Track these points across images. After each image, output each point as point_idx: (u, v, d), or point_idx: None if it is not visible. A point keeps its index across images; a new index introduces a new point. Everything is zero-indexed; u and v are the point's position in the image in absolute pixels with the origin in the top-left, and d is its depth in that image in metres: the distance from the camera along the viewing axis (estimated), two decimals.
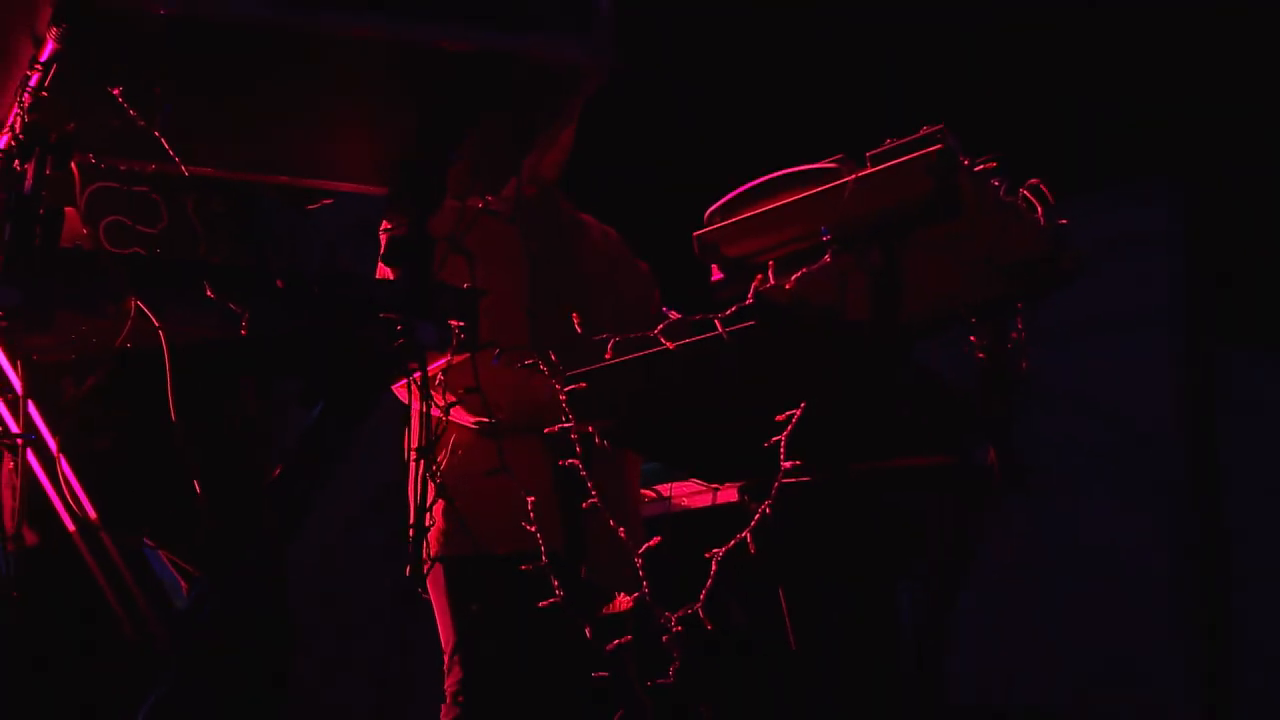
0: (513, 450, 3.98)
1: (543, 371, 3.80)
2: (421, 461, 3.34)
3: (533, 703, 4.49)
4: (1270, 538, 8.02)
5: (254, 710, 3.62)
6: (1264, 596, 7.97)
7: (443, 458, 4.48)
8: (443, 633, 4.54)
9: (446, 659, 4.51)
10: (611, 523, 3.66)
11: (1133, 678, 7.81)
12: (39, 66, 2.87)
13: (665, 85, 4.91)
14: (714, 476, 4.14)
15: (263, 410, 3.85)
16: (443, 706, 4.47)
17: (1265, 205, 7.63)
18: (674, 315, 3.89)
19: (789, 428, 3.48)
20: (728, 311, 3.58)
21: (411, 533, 4.23)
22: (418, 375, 3.22)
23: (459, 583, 4.51)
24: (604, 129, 4.76)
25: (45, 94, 2.89)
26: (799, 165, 3.73)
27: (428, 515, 3.60)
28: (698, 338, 3.59)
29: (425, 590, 4.44)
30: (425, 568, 4.31)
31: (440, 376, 3.40)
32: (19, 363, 2.99)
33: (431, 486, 3.48)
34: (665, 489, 4.31)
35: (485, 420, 4.29)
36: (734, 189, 3.82)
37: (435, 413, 3.39)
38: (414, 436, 4.07)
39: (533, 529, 3.79)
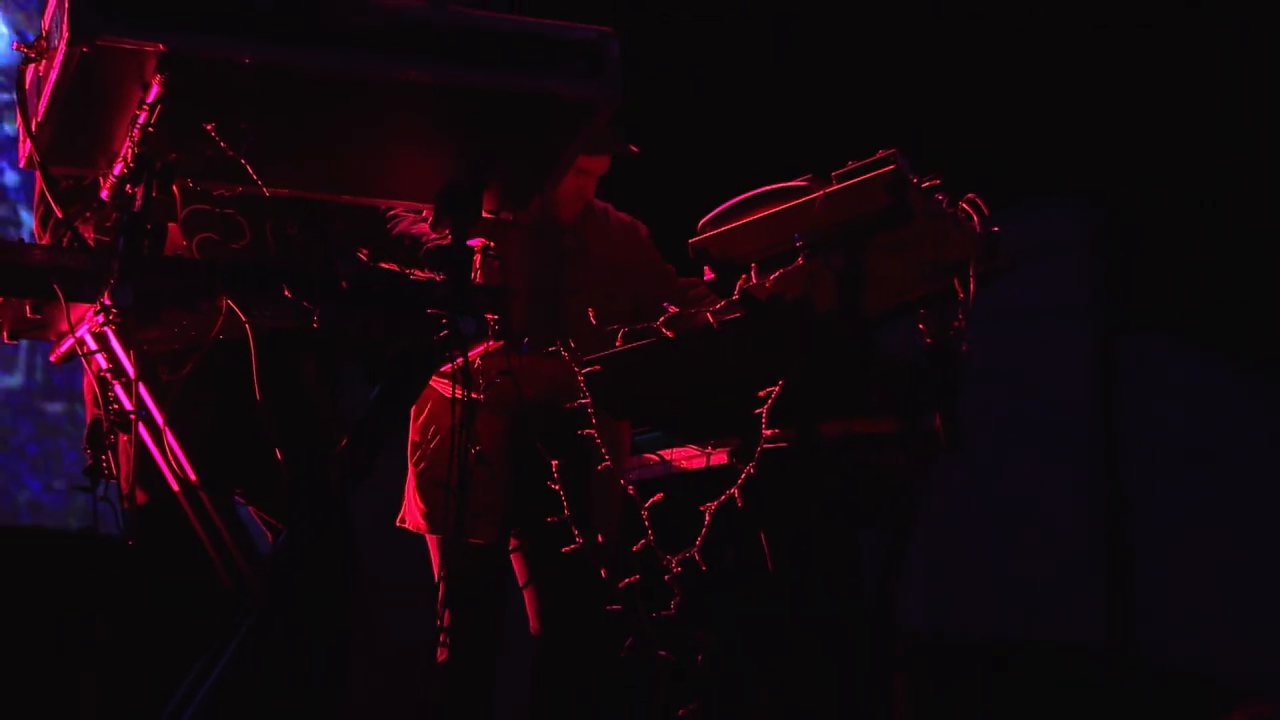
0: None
1: (564, 358, 3.80)
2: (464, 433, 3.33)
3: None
4: (1162, 490, 8.03)
5: (326, 637, 3.64)
6: (1156, 539, 7.99)
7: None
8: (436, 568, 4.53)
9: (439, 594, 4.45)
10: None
11: (1051, 606, 7.80)
12: (146, 107, 2.87)
13: (653, 116, 4.88)
14: (706, 442, 4.13)
15: (330, 390, 3.86)
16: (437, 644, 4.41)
17: (1162, 216, 7.61)
18: (672, 309, 3.89)
19: (769, 401, 3.49)
20: (718, 305, 3.59)
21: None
22: (460, 361, 3.23)
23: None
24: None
25: (151, 130, 2.88)
26: (775, 183, 3.74)
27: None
28: (693, 326, 3.60)
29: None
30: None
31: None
32: (132, 352, 2.98)
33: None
34: (666, 453, 4.30)
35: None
36: (721, 203, 3.82)
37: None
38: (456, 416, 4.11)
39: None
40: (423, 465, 4.50)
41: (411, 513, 4.54)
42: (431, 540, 4.53)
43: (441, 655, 4.41)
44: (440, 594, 4.30)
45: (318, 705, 3.59)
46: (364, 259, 3.42)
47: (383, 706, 5.94)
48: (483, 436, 3.64)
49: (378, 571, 3.94)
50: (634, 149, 4.62)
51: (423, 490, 4.49)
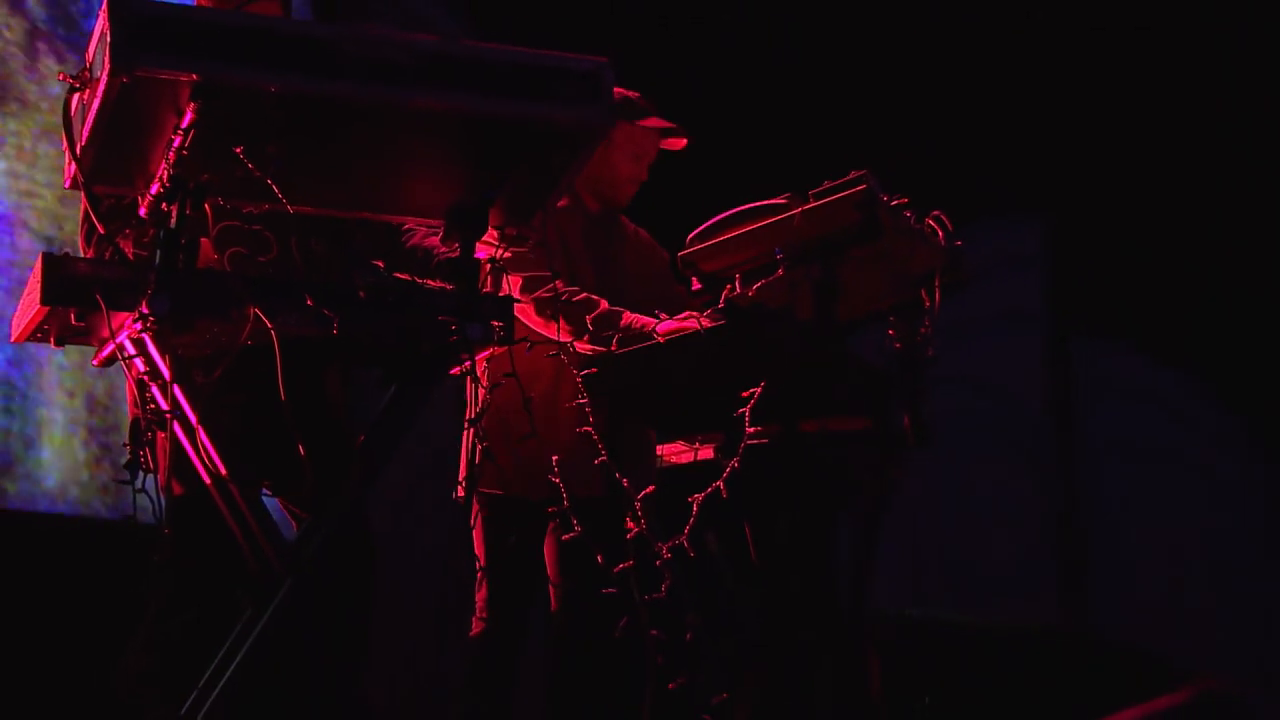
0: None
1: (564, 360, 3.81)
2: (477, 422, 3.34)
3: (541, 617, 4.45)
4: (1111, 481, 8.06)
5: (346, 616, 3.64)
6: (1106, 525, 8.01)
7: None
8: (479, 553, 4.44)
9: (479, 577, 4.40)
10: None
11: (1009, 586, 7.82)
12: (180, 132, 2.87)
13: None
14: (694, 438, 4.13)
15: (348, 391, 3.86)
16: (473, 618, 4.39)
17: (1110, 231, 7.65)
18: (664, 316, 3.90)
19: (752, 401, 3.49)
20: (705, 313, 3.60)
21: (462, 481, 4.26)
22: (468, 364, 3.24)
23: (495, 516, 4.40)
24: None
25: (185, 153, 2.89)
26: (757, 202, 3.75)
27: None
28: (682, 333, 3.60)
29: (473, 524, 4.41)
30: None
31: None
32: (167, 356, 2.99)
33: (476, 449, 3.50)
34: (658, 449, 4.29)
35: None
36: (707, 219, 3.83)
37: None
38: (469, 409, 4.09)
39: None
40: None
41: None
42: (477, 510, 4.43)
43: (476, 629, 4.37)
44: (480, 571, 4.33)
45: (341, 675, 3.59)
46: (380, 270, 3.42)
47: (401, 676, 5.94)
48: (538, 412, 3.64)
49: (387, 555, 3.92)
50: (684, 141, 4.58)
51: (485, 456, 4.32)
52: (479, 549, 4.41)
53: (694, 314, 3.72)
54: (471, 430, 4.17)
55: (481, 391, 4.07)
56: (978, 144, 7.23)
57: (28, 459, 5.64)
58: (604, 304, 4.18)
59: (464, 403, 3.67)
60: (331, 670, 3.49)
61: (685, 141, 4.55)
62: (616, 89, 3.17)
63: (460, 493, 4.29)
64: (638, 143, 4.46)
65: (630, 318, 4.13)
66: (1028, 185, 7.57)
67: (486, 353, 3.26)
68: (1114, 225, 7.59)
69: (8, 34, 5.76)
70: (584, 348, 4.09)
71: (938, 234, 3.73)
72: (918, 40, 7.34)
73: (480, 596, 4.38)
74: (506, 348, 3.24)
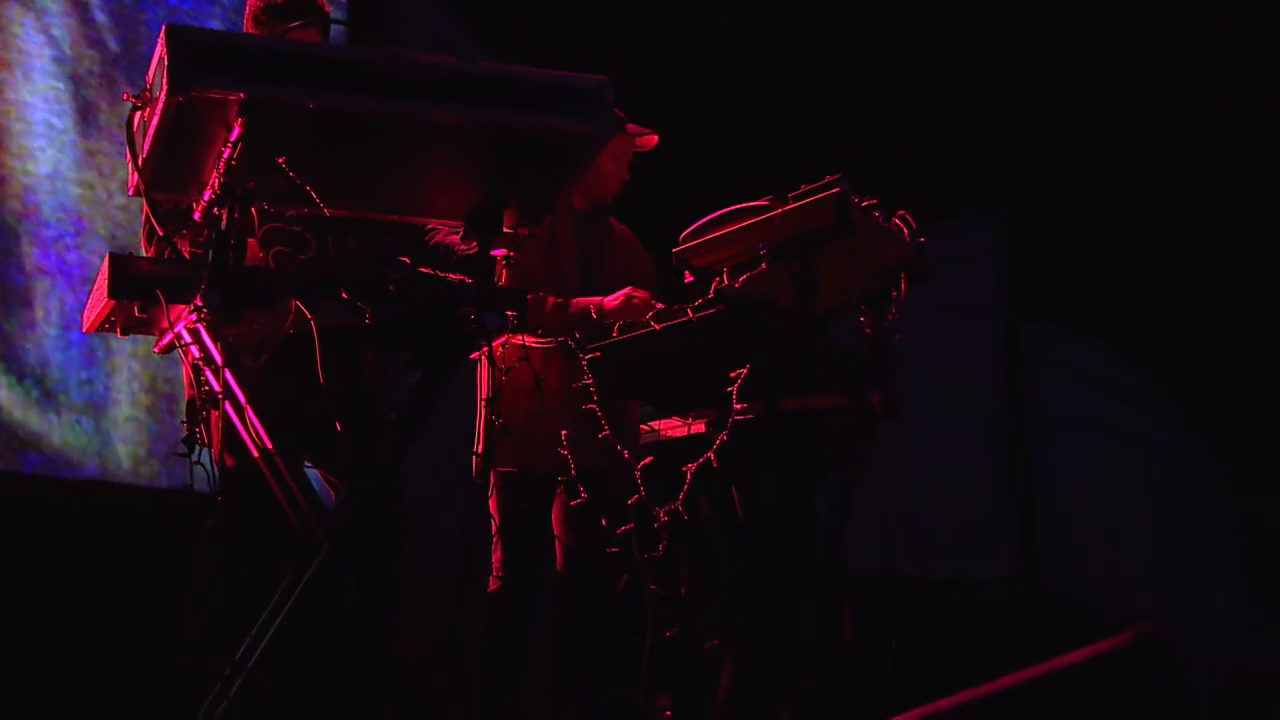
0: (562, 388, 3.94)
1: (570, 346, 3.80)
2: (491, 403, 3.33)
3: (550, 574, 4.45)
4: (1058, 450, 8.07)
5: (378, 575, 3.64)
6: (1053, 489, 8.02)
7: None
8: (495, 520, 4.41)
9: (494, 540, 4.39)
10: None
11: (967, 544, 7.83)
12: (229, 144, 2.87)
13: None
14: (688, 414, 4.13)
15: (380, 374, 3.86)
16: (490, 577, 4.38)
17: (1055, 230, 7.65)
18: (659, 305, 3.90)
19: (739, 380, 3.50)
20: (696, 303, 3.59)
21: (478, 455, 4.26)
22: (486, 350, 3.25)
23: (510, 488, 4.38)
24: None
25: (234, 163, 2.90)
26: (743, 203, 3.74)
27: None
28: (676, 320, 3.60)
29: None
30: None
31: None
32: (220, 344, 2.99)
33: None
34: (655, 424, 4.29)
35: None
36: (699, 219, 3.82)
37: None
38: (482, 388, 4.09)
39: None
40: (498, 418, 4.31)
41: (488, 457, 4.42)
42: (493, 483, 4.39)
43: (493, 585, 4.36)
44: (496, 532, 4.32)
45: (374, 627, 3.60)
46: (407, 266, 3.42)
47: (425, 627, 5.94)
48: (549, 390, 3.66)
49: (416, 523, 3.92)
50: (655, 139, 4.58)
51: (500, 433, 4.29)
52: (494, 515, 4.40)
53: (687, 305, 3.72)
54: (485, 409, 4.20)
55: (496, 374, 4.08)
56: (940, 152, 7.22)
57: (100, 436, 5.68)
58: (549, 300, 4.21)
59: (473, 386, 3.66)
60: (365, 623, 3.49)
61: (655, 140, 4.56)
62: None
63: (477, 466, 4.32)
64: (615, 143, 4.45)
65: (576, 303, 4.17)
66: (983, 189, 7.58)
67: (502, 339, 3.26)
68: (1058, 225, 7.62)
69: (88, 63, 5.82)
70: (533, 341, 4.12)
71: (903, 232, 3.72)
72: (889, 58, 7.34)
73: (496, 557, 4.38)
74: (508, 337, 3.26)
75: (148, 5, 5.95)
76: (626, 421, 4.20)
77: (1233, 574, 8.05)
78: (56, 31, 5.78)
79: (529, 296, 4.08)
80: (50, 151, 5.69)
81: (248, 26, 3.87)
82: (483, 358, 3.46)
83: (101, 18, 5.89)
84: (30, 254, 5.60)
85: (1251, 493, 7.85)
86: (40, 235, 5.64)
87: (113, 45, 5.89)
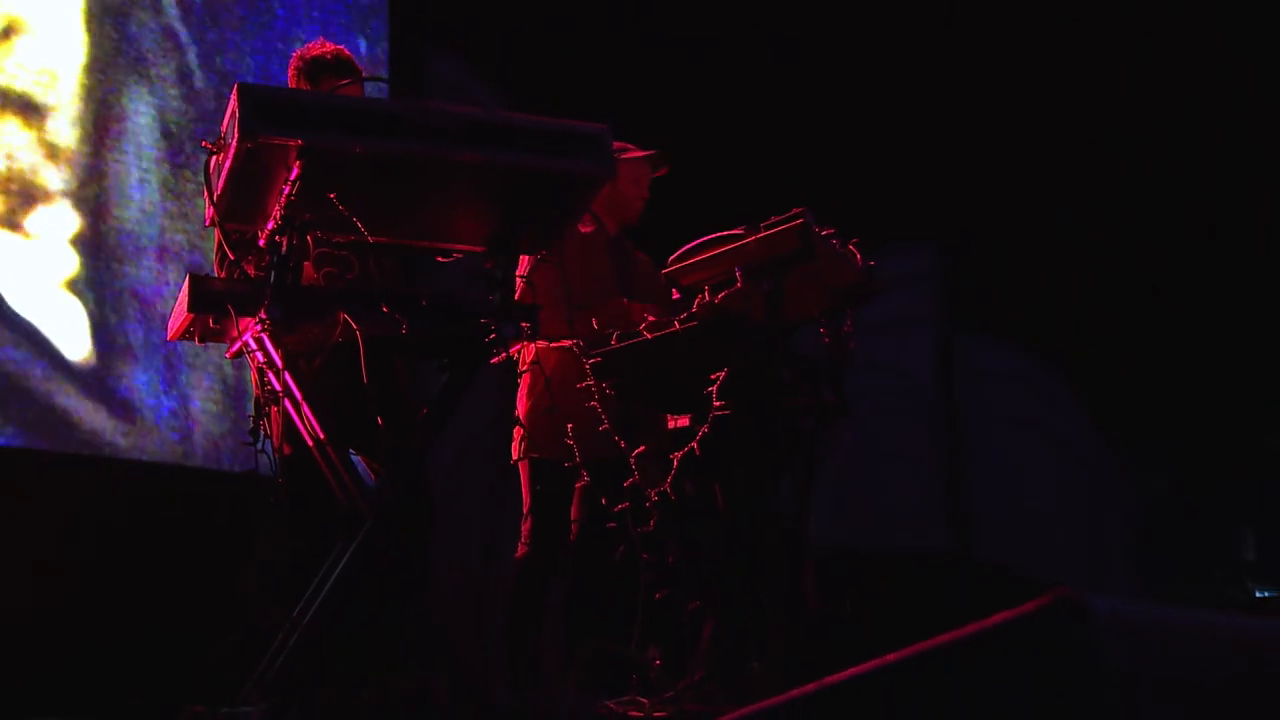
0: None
1: (575, 353, 3.78)
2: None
3: (570, 543, 4.42)
4: (988, 441, 8.07)
5: (413, 548, 3.64)
6: (986, 474, 8.02)
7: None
8: (525, 499, 4.37)
9: (525, 515, 4.35)
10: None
11: (908, 519, 7.81)
12: (289, 182, 2.88)
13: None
14: (674, 411, 4.11)
15: (413, 375, 3.86)
16: (519, 544, 4.35)
17: (988, 254, 7.65)
18: (651, 318, 3.88)
19: (718, 383, 3.49)
20: (682, 316, 3.58)
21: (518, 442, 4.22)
22: (503, 356, 3.24)
23: (541, 472, 4.30)
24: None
25: (293, 198, 2.91)
26: (721, 232, 3.74)
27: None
28: (665, 331, 3.59)
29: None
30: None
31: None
32: (280, 350, 2.99)
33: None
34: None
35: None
36: (684, 245, 3.83)
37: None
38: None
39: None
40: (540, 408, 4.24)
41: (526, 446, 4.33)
42: (524, 468, 4.34)
43: (520, 552, 4.33)
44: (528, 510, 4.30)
45: (409, 591, 3.59)
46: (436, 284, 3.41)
47: (456, 592, 5.94)
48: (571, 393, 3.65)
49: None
50: (667, 167, 4.54)
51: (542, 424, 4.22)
52: (525, 495, 4.39)
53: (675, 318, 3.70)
54: (528, 404, 4.20)
55: (526, 375, 4.07)
56: (888, 187, 7.22)
57: (182, 428, 5.71)
58: (613, 304, 4.15)
59: (492, 390, 3.64)
60: (401, 583, 3.49)
61: (668, 167, 4.53)
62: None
63: (516, 454, 4.31)
64: (634, 171, 4.44)
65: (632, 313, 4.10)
66: (925, 220, 7.58)
67: (517, 347, 3.26)
68: (990, 251, 7.62)
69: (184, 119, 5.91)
70: (561, 342, 4.03)
71: (856, 257, 3.73)
72: (848, 105, 7.32)
73: (525, 528, 4.36)
74: (531, 343, 3.24)
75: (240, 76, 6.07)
76: (653, 418, 4.18)
77: (1120, 541, 8.12)
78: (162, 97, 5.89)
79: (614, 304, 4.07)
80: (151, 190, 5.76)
81: (292, 81, 3.88)
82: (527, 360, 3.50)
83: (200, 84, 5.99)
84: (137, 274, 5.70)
85: (1132, 476, 7.96)
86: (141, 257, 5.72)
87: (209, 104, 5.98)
